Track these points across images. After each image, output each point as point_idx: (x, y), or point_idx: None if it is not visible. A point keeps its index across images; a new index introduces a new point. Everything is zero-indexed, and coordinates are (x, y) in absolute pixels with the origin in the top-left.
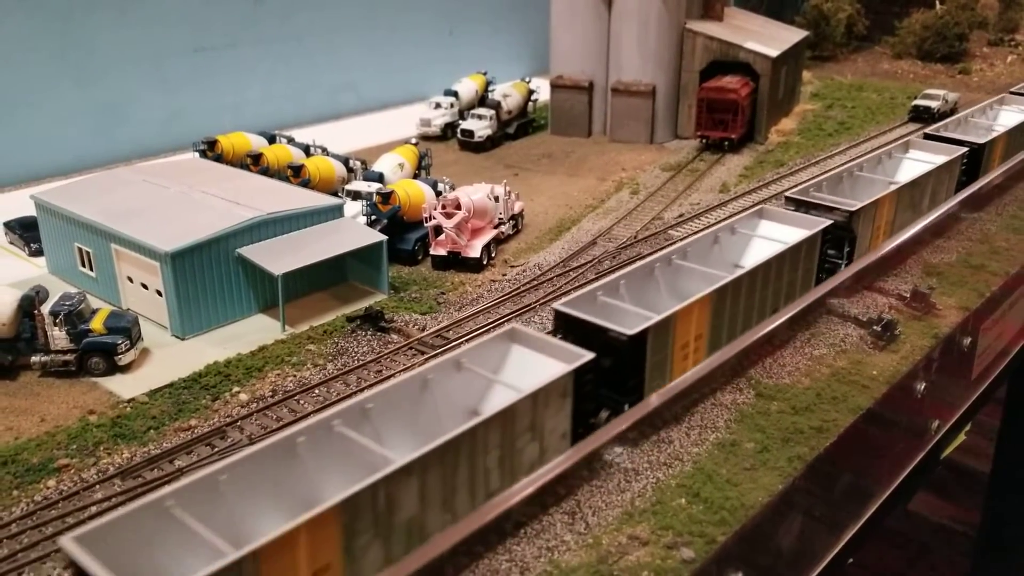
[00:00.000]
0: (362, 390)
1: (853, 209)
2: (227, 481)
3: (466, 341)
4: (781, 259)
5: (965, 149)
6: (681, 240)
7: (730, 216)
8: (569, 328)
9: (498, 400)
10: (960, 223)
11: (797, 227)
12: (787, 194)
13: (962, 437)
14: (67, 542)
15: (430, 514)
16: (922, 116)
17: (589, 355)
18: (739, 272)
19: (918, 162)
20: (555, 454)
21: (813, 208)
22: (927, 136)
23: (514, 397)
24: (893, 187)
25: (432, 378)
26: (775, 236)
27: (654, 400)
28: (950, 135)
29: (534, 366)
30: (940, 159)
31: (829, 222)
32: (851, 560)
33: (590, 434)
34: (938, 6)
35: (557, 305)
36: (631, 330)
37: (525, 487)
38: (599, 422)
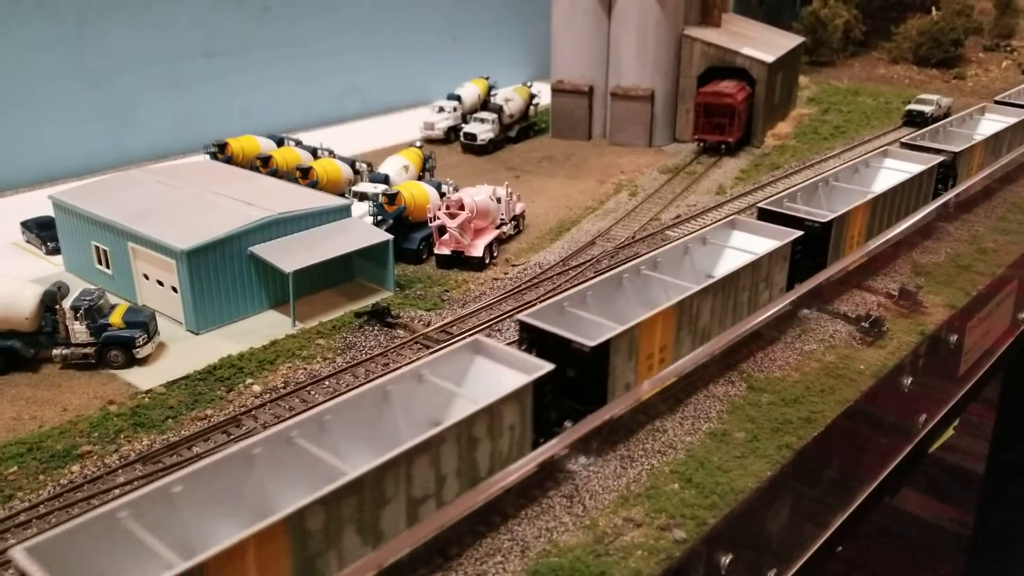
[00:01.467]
0: (374, 377)
1: (957, 151)
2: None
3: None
4: (911, 183)
5: None
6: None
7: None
8: (770, 219)
9: (730, 264)
10: (949, 224)
11: (916, 163)
12: (902, 140)
13: (950, 432)
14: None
15: (713, 325)
16: (915, 120)
17: (799, 232)
18: (885, 189)
19: (993, 122)
20: (776, 300)
21: (925, 151)
22: (997, 102)
23: (754, 257)
24: (980, 138)
25: (690, 247)
26: (899, 168)
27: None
28: (1018, 102)
29: (754, 242)
30: (1012, 120)
31: (942, 159)
32: (840, 548)
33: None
34: (934, 12)
35: (761, 204)
36: (824, 219)
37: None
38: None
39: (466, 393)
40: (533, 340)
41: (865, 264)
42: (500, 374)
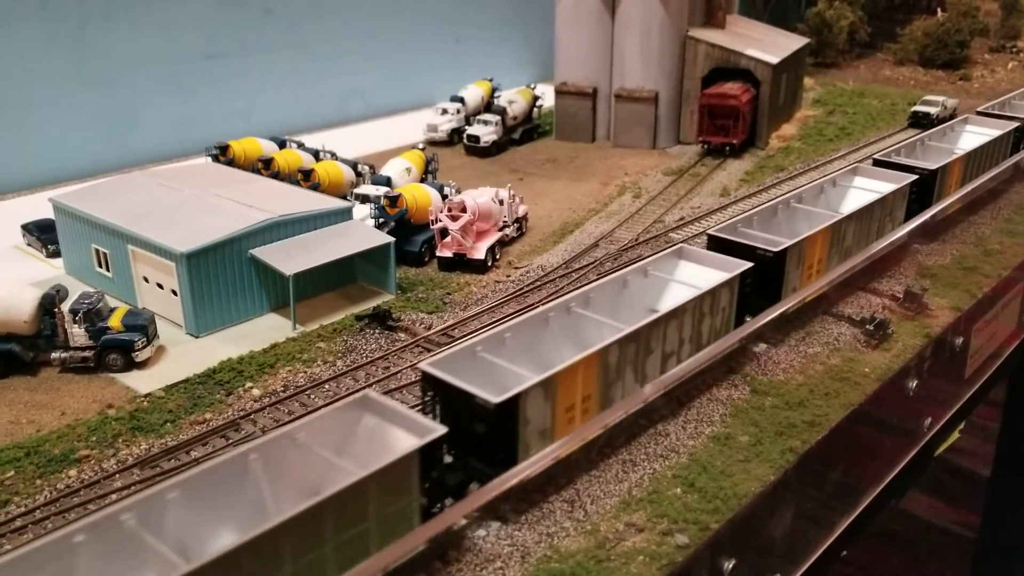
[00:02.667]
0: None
1: None
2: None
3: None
4: (994, 143)
5: None
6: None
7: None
8: (884, 167)
9: (855, 202)
10: (955, 226)
11: (993, 128)
12: (978, 109)
13: (956, 435)
14: None
15: (853, 246)
16: (921, 122)
17: (915, 176)
18: (975, 147)
19: None
20: (896, 230)
21: (999, 118)
22: None
23: (883, 194)
24: None
25: (825, 187)
26: (979, 132)
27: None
28: None
29: (874, 185)
30: None
31: (1016, 125)
32: (844, 553)
33: None
34: (940, 13)
35: (876, 156)
36: (933, 167)
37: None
38: None
39: (683, 282)
40: (719, 249)
41: (868, 266)
42: (701, 272)
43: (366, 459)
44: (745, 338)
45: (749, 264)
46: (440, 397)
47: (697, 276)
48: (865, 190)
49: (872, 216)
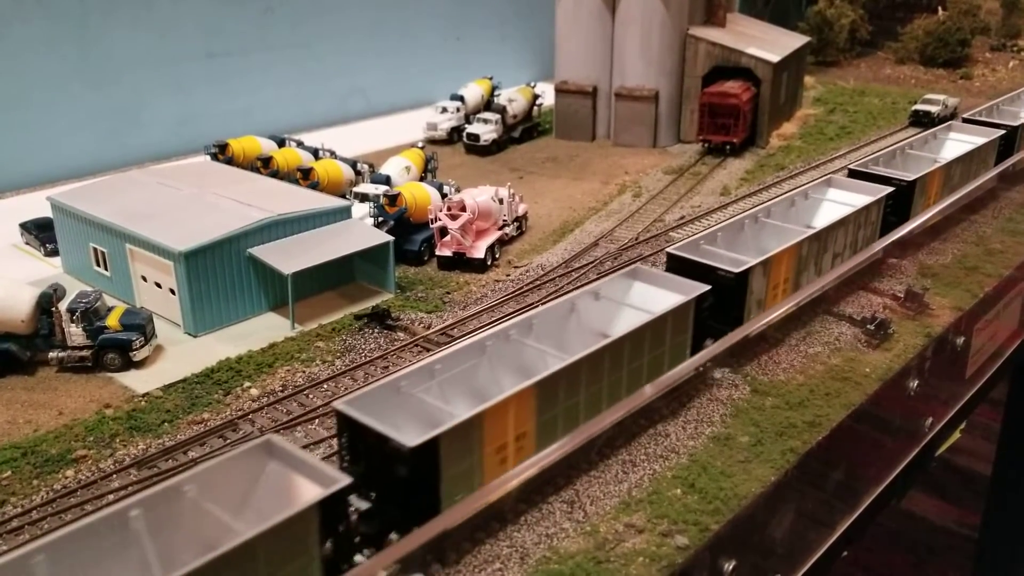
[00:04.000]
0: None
1: None
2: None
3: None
4: None
5: None
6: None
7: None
8: (973, 124)
9: (949, 153)
10: (956, 225)
11: None
12: None
13: (957, 435)
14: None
15: (952, 192)
16: (922, 121)
17: (1001, 132)
18: None
19: None
20: (982, 176)
21: None
22: None
23: (971, 149)
24: None
25: (914, 143)
26: None
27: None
28: None
29: (965, 139)
30: None
31: None
32: (845, 553)
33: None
34: (940, 12)
35: (965, 116)
36: (1015, 124)
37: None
38: None
39: (834, 201)
40: (861, 177)
41: (870, 266)
42: (849, 196)
43: (653, 308)
44: (884, 248)
45: (891, 188)
46: (685, 274)
47: (846, 199)
48: (960, 142)
49: (972, 160)
